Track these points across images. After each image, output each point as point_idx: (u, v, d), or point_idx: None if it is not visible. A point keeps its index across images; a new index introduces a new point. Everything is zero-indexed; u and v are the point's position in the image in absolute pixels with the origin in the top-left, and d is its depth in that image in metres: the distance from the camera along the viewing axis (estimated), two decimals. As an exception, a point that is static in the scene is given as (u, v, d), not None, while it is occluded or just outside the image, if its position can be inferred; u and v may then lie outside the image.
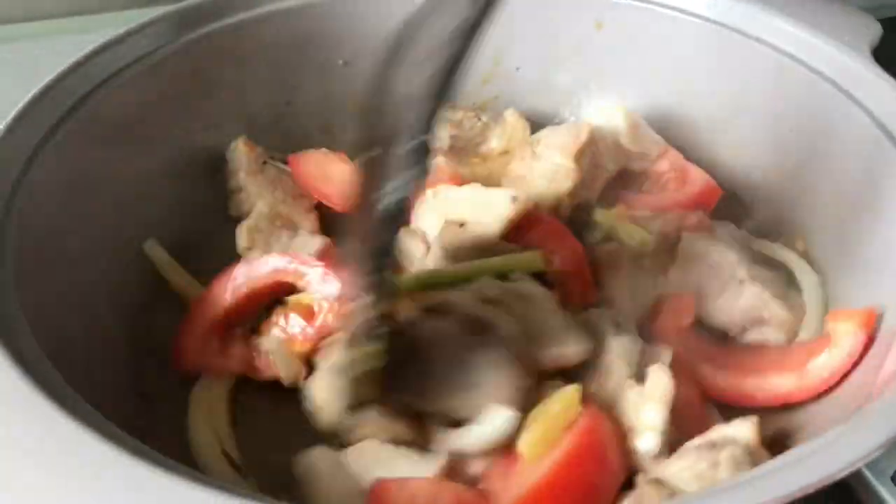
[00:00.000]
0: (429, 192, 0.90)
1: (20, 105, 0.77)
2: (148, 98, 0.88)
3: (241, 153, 0.95)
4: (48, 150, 0.76)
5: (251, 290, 0.81)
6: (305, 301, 0.80)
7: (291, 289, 0.82)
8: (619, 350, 0.73)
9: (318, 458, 0.69)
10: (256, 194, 0.93)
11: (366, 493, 0.64)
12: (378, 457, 0.68)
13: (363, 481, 0.66)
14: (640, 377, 0.71)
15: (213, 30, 0.93)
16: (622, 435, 0.68)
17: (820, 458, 0.51)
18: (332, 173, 0.95)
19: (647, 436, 0.68)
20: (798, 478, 0.50)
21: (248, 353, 0.80)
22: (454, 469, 0.68)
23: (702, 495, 0.54)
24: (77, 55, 0.84)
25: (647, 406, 0.69)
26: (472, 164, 0.98)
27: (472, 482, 0.68)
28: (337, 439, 0.71)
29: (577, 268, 0.81)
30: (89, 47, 0.85)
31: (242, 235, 0.89)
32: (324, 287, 0.79)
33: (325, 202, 0.95)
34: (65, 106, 0.80)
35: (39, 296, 0.69)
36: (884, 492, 0.81)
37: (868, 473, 0.82)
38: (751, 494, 0.49)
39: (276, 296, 0.83)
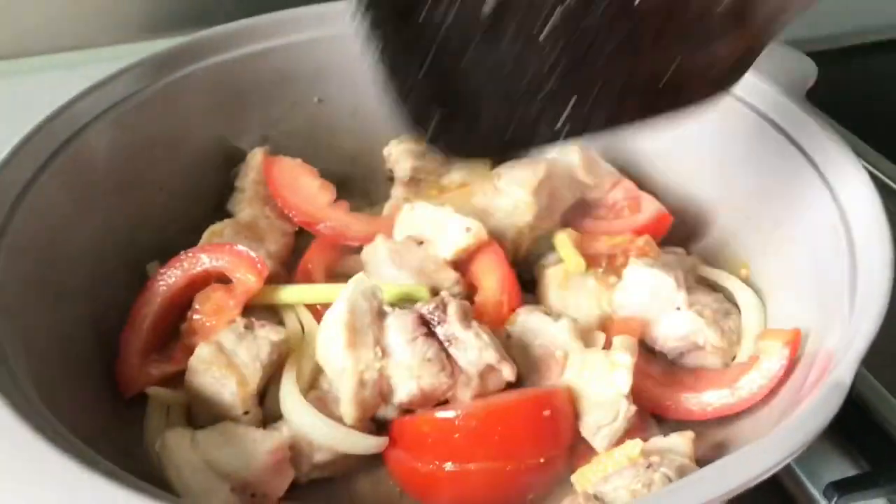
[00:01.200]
0: (407, 206, 0.96)
1: (12, 145, 0.83)
2: (133, 136, 0.94)
3: (257, 161, 1.02)
4: (42, 181, 0.83)
5: (171, 293, 0.87)
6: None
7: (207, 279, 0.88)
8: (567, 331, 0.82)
9: (173, 437, 0.76)
10: (249, 201, 1.00)
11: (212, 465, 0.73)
12: (227, 434, 0.75)
13: (212, 456, 0.73)
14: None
15: (190, 72, 1.00)
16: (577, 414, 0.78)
17: (733, 468, 0.57)
18: (300, 185, 1.01)
19: (619, 373, 0.77)
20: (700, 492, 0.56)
21: (186, 346, 0.84)
22: (295, 444, 0.76)
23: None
24: (65, 91, 0.90)
25: (616, 352, 0.78)
26: (429, 196, 1.04)
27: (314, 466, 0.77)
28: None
29: (500, 294, 0.88)
30: (77, 84, 0.91)
31: (204, 237, 0.94)
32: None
33: (286, 210, 0.99)
34: (53, 145, 0.86)
35: (26, 323, 0.75)
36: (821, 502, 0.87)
37: (808, 484, 0.88)
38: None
39: (202, 286, 0.88)
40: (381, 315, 0.80)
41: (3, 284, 0.74)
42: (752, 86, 0.95)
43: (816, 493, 0.88)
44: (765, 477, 0.56)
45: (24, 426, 0.59)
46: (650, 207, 1.00)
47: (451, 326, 0.79)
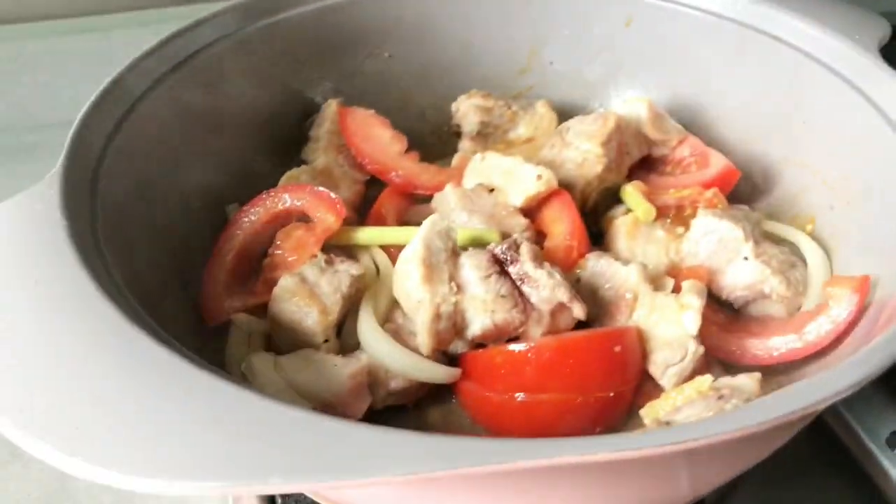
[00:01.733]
0: (477, 155, 0.98)
1: (106, 82, 0.88)
2: (217, 81, 0.99)
3: (332, 111, 1.06)
4: (132, 119, 0.87)
5: (253, 230, 0.91)
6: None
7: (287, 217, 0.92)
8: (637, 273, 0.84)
9: (258, 360, 0.79)
10: (324, 150, 1.03)
11: (295, 387, 0.77)
12: (308, 359, 0.79)
13: (295, 379, 0.77)
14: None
15: (269, 24, 1.03)
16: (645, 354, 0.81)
17: (796, 393, 0.59)
18: (372, 134, 1.04)
19: (688, 314, 0.79)
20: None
21: (268, 280, 0.88)
22: (372, 370, 0.80)
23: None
24: (141, 48, 0.94)
25: (685, 294, 0.80)
26: (496, 150, 1.06)
27: (389, 392, 0.81)
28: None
29: (570, 239, 0.90)
30: (156, 38, 0.95)
31: (282, 180, 0.97)
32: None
33: (359, 158, 1.03)
34: (144, 85, 0.90)
35: (124, 238, 0.79)
36: (879, 454, 0.88)
37: (865, 437, 0.90)
38: (733, 420, 0.57)
39: (283, 225, 0.92)
40: (454, 254, 0.83)
41: (104, 208, 0.78)
42: (822, 42, 0.96)
43: (874, 447, 0.89)
44: (844, 395, 0.57)
45: (125, 319, 0.62)
46: (718, 162, 1.01)
47: (524, 266, 0.81)
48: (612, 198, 1.00)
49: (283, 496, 0.88)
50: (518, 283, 0.81)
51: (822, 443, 0.94)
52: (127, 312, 0.63)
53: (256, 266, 0.91)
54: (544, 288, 0.80)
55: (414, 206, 1.02)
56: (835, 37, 0.96)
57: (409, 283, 0.81)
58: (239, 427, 0.54)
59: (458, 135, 1.12)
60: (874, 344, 0.62)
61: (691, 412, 0.71)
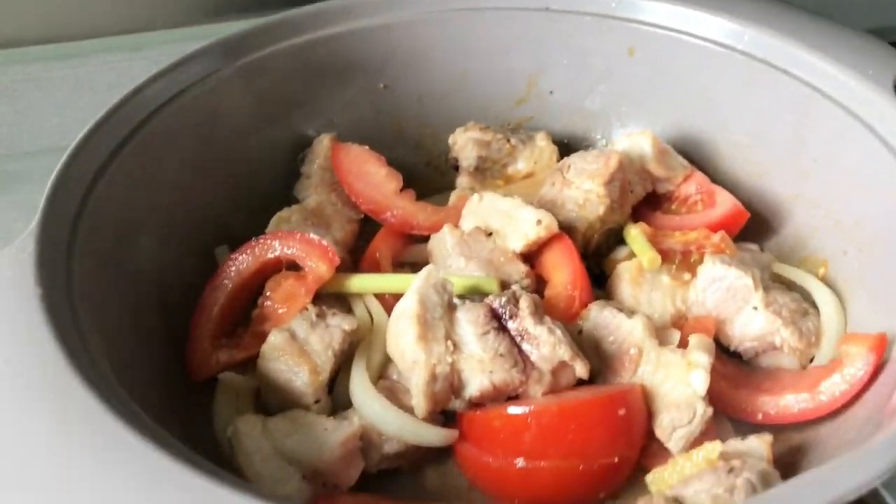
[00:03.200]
0: (475, 196, 0.94)
1: (85, 129, 0.84)
2: (202, 120, 0.95)
3: (324, 147, 1.02)
4: (115, 164, 0.84)
5: (241, 279, 0.88)
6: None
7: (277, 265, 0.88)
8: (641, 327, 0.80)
9: (244, 424, 0.76)
10: (315, 188, 1.00)
11: (283, 453, 0.73)
12: (298, 422, 0.76)
13: (283, 444, 0.74)
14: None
15: (258, 57, 1.00)
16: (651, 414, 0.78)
17: (827, 481, 0.55)
18: (367, 172, 1.00)
19: (696, 374, 0.75)
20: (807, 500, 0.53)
21: (257, 332, 0.84)
22: (365, 434, 0.76)
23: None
24: (129, 72, 0.91)
25: (693, 351, 0.77)
26: (495, 186, 1.02)
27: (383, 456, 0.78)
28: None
29: (572, 289, 0.86)
30: (140, 66, 0.92)
31: (272, 223, 0.93)
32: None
33: (352, 198, 0.99)
34: (125, 129, 0.87)
35: (101, 302, 0.75)
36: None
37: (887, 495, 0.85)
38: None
39: (272, 273, 0.88)
40: (451, 308, 0.79)
41: (82, 264, 0.75)
42: (834, 78, 0.92)
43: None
44: (866, 489, 0.54)
45: (103, 407, 0.59)
46: (725, 202, 0.97)
47: (524, 321, 0.77)
48: (615, 238, 0.97)
49: None
50: (517, 339, 0.77)
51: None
52: (101, 392, 0.60)
53: (245, 317, 0.88)
54: (545, 346, 0.76)
55: (410, 245, 0.99)
56: (846, 72, 0.91)
57: (403, 342, 0.77)
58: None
59: (455, 168, 1.08)
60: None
61: (700, 486, 0.67)
